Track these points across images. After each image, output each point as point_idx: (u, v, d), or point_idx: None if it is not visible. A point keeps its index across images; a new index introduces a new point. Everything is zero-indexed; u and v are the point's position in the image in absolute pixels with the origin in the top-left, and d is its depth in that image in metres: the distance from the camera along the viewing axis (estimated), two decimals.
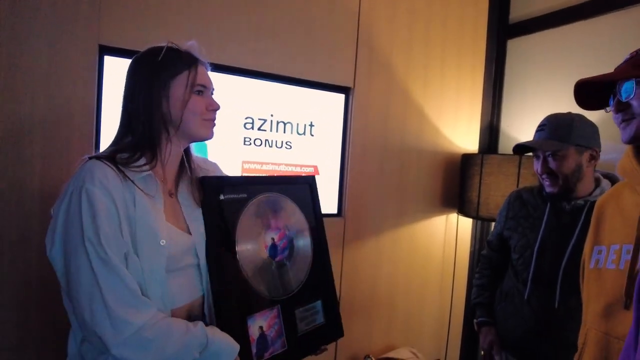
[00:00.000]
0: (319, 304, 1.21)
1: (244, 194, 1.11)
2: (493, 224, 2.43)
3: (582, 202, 1.37)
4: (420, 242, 2.42)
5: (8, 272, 1.46)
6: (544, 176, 1.41)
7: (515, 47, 2.57)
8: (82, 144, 1.54)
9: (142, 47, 1.60)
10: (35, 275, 1.49)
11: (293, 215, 1.22)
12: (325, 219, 2.09)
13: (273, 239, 1.14)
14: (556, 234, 1.40)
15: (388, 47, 2.21)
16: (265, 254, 1.11)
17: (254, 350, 1.00)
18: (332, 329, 1.22)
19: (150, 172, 0.92)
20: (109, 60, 1.60)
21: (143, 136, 0.94)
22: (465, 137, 2.52)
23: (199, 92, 0.99)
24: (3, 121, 1.43)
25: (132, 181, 0.88)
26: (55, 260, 0.84)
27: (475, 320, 1.64)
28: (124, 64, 1.61)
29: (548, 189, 1.40)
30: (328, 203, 2.14)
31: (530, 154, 1.48)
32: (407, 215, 2.36)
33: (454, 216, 2.51)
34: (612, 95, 0.92)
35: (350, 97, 2.14)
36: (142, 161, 0.92)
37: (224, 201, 1.06)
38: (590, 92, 0.97)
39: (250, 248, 1.08)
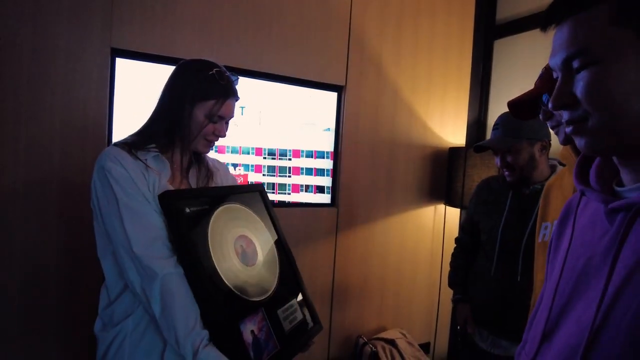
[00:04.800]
0: (294, 301, 1.23)
1: (206, 205, 1.11)
2: None
3: (540, 187, 1.53)
4: (410, 231, 2.58)
5: (28, 256, 1.64)
6: (503, 169, 1.57)
7: (502, 47, 2.69)
8: (96, 140, 1.72)
9: (150, 50, 1.78)
10: (54, 262, 1.68)
11: (252, 222, 1.25)
12: (319, 209, 2.30)
13: (242, 246, 1.15)
14: (518, 215, 1.55)
15: (378, 47, 2.37)
16: (238, 260, 1.12)
17: (252, 354, 1.01)
18: (312, 323, 1.27)
19: (158, 153, 1.09)
20: (120, 62, 1.77)
21: (160, 133, 1.10)
22: (452, 132, 2.67)
23: (215, 121, 1.12)
24: (27, 122, 1.61)
25: (141, 160, 1.05)
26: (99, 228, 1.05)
27: (451, 298, 1.80)
28: (134, 65, 1.79)
29: (508, 179, 1.56)
30: (323, 194, 2.31)
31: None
32: (397, 206, 2.51)
33: (441, 207, 2.66)
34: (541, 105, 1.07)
35: (343, 95, 2.30)
36: (153, 145, 1.09)
37: (189, 214, 1.05)
38: (523, 105, 1.13)
39: (226, 256, 1.09)
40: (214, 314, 0.98)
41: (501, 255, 1.57)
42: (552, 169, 1.56)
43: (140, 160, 1.05)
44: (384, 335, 2.39)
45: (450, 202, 2.53)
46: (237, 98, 1.16)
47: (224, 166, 1.41)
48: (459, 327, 1.76)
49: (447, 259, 2.70)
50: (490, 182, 1.75)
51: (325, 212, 2.30)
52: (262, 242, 1.24)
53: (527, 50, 2.52)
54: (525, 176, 1.53)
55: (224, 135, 1.17)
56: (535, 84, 1.08)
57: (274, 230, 1.32)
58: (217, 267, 1.03)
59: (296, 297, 1.26)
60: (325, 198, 2.33)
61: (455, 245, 1.89)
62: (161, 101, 1.13)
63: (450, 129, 2.67)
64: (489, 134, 2.74)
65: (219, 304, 0.99)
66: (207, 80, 1.08)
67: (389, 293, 2.54)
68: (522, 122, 1.51)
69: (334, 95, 2.30)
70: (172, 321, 0.93)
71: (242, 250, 1.15)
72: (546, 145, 1.53)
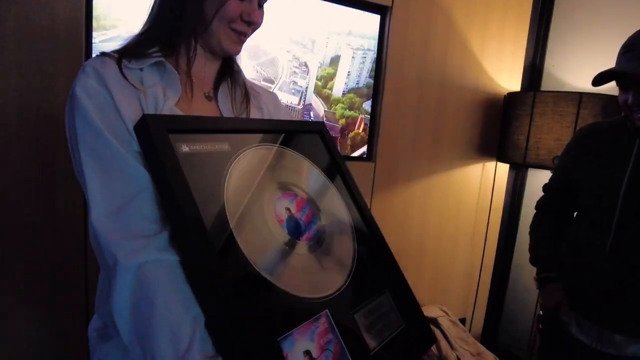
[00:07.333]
0: (387, 297, 0.76)
1: (225, 145, 0.68)
2: (537, 172, 2.21)
3: None
4: (454, 191, 2.18)
5: None
6: (634, 107, 1.13)
7: None
8: (70, 51, 1.23)
9: None
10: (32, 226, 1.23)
11: (309, 174, 0.80)
12: (353, 163, 1.87)
13: (289, 209, 0.72)
14: None
15: None
16: (283, 233, 0.68)
17: None
18: (419, 332, 0.77)
19: (161, 58, 0.71)
20: None
21: (165, 29, 0.73)
22: (508, 76, 2.23)
23: None
24: None
25: (130, 71, 0.68)
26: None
27: (535, 277, 1.42)
28: None
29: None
30: (356, 144, 1.87)
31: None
32: (442, 162, 2.10)
33: (491, 164, 2.26)
34: None
35: (388, 17, 1.82)
36: (155, 49, 0.72)
37: (187, 154, 0.61)
38: None
39: (257, 226, 0.65)
40: (233, 329, 0.54)
41: (622, 225, 1.18)
42: None
43: (128, 72, 0.67)
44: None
45: (503, 158, 2.12)
46: None
47: (274, 95, 0.97)
48: (542, 312, 1.39)
49: (494, 225, 2.35)
50: (598, 128, 1.32)
51: (361, 167, 1.87)
52: (325, 203, 0.78)
53: None
54: None
55: (257, 21, 0.76)
56: None
57: (344, 188, 0.85)
58: (239, 243, 0.60)
59: (387, 289, 0.77)
60: (359, 149, 1.89)
61: (537, 210, 1.49)
62: None
63: (507, 72, 2.22)
64: (545, 81, 2.32)
65: (243, 308, 0.54)
66: None
67: (427, 263, 2.17)
68: None
69: (376, 18, 1.81)
70: (149, 344, 0.53)
71: (290, 216, 0.70)
72: None
